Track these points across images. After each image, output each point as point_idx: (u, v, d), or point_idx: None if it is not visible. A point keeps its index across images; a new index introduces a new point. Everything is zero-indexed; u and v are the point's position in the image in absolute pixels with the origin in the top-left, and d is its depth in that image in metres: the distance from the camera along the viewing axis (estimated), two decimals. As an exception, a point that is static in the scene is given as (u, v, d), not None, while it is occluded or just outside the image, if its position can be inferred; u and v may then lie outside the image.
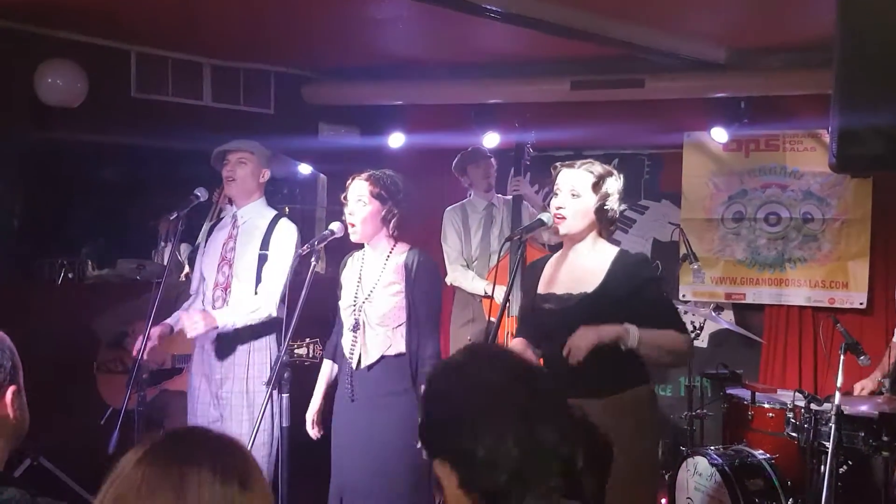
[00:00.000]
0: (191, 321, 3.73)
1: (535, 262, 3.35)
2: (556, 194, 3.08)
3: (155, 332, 3.97)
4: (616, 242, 3.23)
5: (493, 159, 5.55)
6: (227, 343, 3.96)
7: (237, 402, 3.92)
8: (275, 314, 3.94)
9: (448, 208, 5.50)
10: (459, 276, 5.25)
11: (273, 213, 4.17)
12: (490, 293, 5.04)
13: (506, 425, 1.29)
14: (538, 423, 1.30)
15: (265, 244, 4.00)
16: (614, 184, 3.07)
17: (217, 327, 3.80)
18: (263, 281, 3.95)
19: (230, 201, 4.37)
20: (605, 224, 3.09)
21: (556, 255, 3.22)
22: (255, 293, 3.93)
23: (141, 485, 1.26)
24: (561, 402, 1.38)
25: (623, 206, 3.14)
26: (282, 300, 3.94)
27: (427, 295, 3.63)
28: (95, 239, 7.15)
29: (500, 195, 5.56)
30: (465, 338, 5.00)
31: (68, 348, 4.90)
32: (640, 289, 2.96)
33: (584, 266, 3.06)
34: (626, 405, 2.91)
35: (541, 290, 3.17)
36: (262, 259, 3.97)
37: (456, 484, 1.32)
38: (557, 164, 3.16)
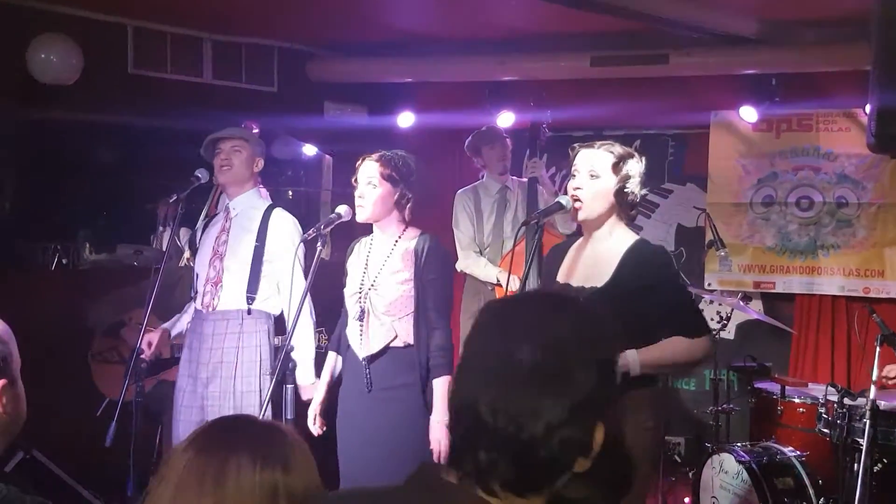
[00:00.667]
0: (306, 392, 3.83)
1: (556, 247, 3.32)
2: (574, 175, 3.05)
3: (154, 337, 4.02)
4: (638, 228, 3.20)
5: (508, 139, 5.52)
6: (215, 341, 3.96)
7: (224, 402, 3.90)
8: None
9: (459, 191, 5.48)
10: (471, 263, 5.23)
11: (267, 203, 4.17)
12: (503, 281, 5.02)
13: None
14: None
15: (260, 236, 4.00)
16: (636, 166, 3.04)
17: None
18: (280, 291, 3.99)
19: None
20: (625, 208, 3.05)
21: (577, 243, 3.20)
22: (248, 288, 3.93)
23: (184, 471, 1.34)
24: None
25: (645, 190, 3.10)
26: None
27: (436, 282, 3.61)
28: (94, 222, 7.17)
29: (514, 177, 5.53)
30: None
31: (62, 337, 4.93)
32: (654, 286, 2.91)
33: (600, 257, 3.03)
34: (639, 400, 2.85)
35: (560, 279, 3.14)
36: (258, 251, 3.97)
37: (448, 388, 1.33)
38: (575, 144, 3.13)
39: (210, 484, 1.33)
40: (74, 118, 6.12)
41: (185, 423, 3.98)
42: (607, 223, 3.05)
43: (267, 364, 3.94)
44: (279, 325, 4.08)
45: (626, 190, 3.01)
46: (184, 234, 5.79)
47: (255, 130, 5.11)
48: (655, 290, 2.90)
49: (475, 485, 1.20)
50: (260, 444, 1.39)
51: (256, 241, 3.98)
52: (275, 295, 4.02)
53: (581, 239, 3.19)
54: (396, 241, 3.63)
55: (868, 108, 2.51)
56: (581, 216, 3.04)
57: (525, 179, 5.43)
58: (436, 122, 6.28)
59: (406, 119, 6.64)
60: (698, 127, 6.32)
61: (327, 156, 7.31)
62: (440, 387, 3.49)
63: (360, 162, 3.64)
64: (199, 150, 4.16)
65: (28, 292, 5.41)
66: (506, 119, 6.19)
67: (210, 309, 4.00)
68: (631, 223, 3.14)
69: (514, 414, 1.17)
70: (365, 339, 3.57)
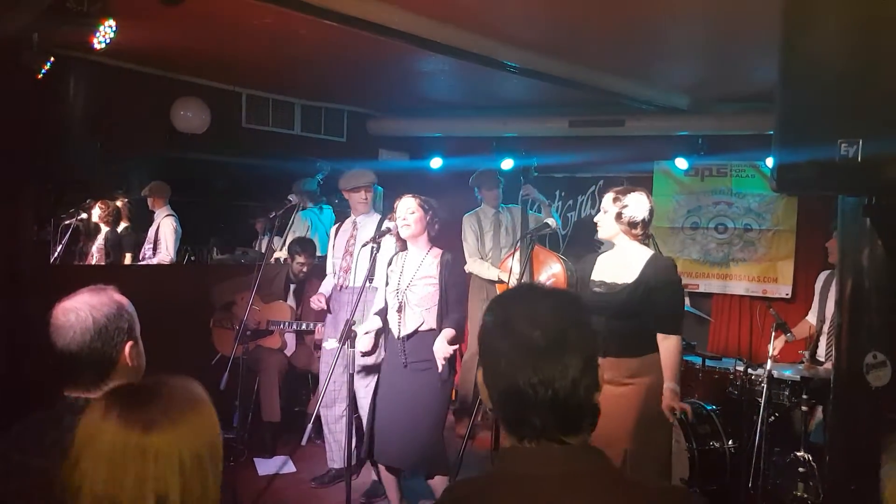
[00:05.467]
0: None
1: (585, 258, 3.37)
2: (599, 212, 3.21)
3: (319, 298, 4.33)
4: (646, 242, 3.20)
5: (501, 180, 5.46)
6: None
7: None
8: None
9: (466, 215, 5.39)
10: (477, 266, 5.20)
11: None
12: (502, 279, 5.01)
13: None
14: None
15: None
16: (632, 198, 3.08)
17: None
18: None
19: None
20: (631, 227, 3.07)
21: (603, 253, 3.25)
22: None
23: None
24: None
25: (645, 215, 3.08)
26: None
27: (457, 285, 3.65)
28: (218, 232, 7.24)
29: (503, 205, 5.43)
30: (480, 312, 4.94)
31: (192, 310, 4.98)
32: (663, 287, 2.99)
33: (625, 262, 3.09)
34: (653, 363, 2.97)
35: (594, 278, 3.19)
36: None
37: (482, 379, 1.21)
38: (610, 190, 3.19)
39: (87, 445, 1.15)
40: (203, 158, 6.18)
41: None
42: (620, 238, 3.11)
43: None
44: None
45: (623, 215, 3.06)
46: (276, 241, 5.84)
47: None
48: (665, 291, 3.00)
49: (539, 441, 1.14)
50: (131, 405, 1.16)
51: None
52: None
53: (605, 252, 3.25)
54: (425, 255, 3.63)
55: (770, 160, 2.49)
56: (599, 235, 3.18)
57: (512, 206, 5.39)
58: (457, 164, 6.29)
59: (436, 162, 6.65)
60: (645, 172, 6.28)
61: (380, 188, 7.34)
62: (446, 332, 3.48)
63: (398, 200, 3.65)
64: (293, 179, 4.21)
65: (166, 281, 5.49)
66: (507, 163, 6.19)
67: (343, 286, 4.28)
68: (643, 241, 3.14)
69: (546, 381, 1.12)
70: (402, 324, 3.57)
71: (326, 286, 4.46)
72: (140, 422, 1.14)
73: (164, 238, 5.78)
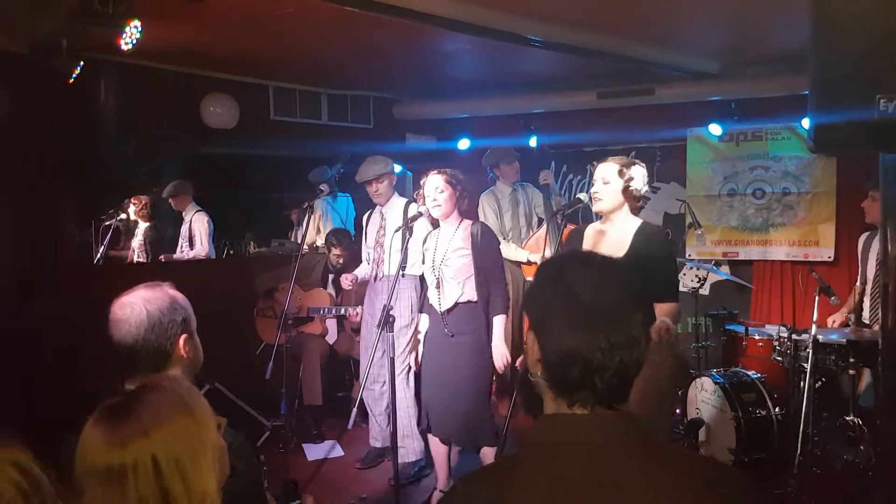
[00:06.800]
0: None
1: (574, 231, 3.30)
2: (594, 184, 3.06)
3: (350, 278, 4.37)
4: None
5: (517, 155, 5.41)
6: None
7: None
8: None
9: (483, 193, 5.31)
10: (503, 248, 5.17)
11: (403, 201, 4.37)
12: (532, 260, 4.98)
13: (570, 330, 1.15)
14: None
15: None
16: (638, 170, 3.01)
17: None
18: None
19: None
20: (631, 201, 3.02)
21: (593, 227, 3.16)
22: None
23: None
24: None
25: (647, 187, 3.04)
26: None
27: (491, 253, 3.66)
28: (255, 225, 7.35)
29: (518, 184, 5.38)
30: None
31: (235, 301, 5.08)
32: (655, 254, 2.89)
33: (617, 234, 3.00)
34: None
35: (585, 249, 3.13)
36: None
37: (534, 344, 1.18)
38: (594, 161, 3.11)
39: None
40: (234, 152, 6.27)
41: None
42: (620, 212, 3.02)
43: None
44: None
45: (630, 188, 2.99)
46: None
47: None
48: (657, 261, 2.88)
49: (596, 404, 1.14)
50: (110, 425, 1.19)
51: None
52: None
53: (597, 225, 3.14)
54: (456, 228, 3.66)
55: (807, 121, 2.44)
56: (600, 208, 3.03)
57: (528, 184, 5.36)
58: (485, 145, 6.26)
59: (464, 143, 6.64)
60: (678, 140, 6.18)
61: (409, 172, 7.37)
62: (499, 323, 3.53)
63: (424, 177, 3.65)
64: (322, 167, 4.24)
65: (207, 275, 5.60)
66: (533, 141, 6.15)
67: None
68: (637, 212, 3.08)
69: (615, 346, 1.11)
70: (443, 298, 3.62)
71: (362, 270, 4.53)
72: (118, 440, 1.17)
73: (198, 233, 5.90)
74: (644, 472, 1.09)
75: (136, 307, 1.71)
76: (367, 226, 4.55)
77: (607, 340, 1.12)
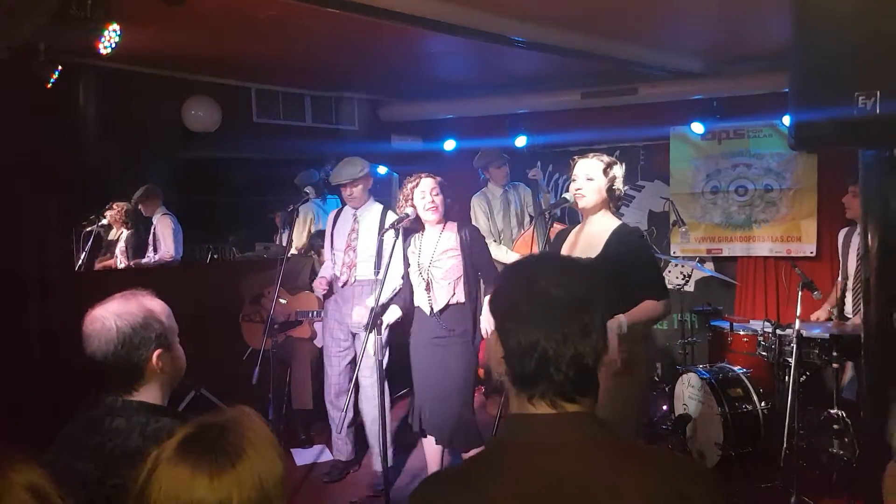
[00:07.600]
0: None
1: (561, 232, 3.30)
2: (575, 180, 3.01)
3: (323, 283, 4.24)
4: (619, 215, 3.12)
5: (507, 157, 5.43)
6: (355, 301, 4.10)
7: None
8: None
9: (474, 196, 5.35)
10: (493, 250, 5.15)
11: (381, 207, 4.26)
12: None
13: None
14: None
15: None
16: (619, 170, 3.01)
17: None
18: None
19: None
20: (613, 201, 3.01)
21: (576, 228, 3.15)
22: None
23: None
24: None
25: (625, 187, 3.05)
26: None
27: (482, 253, 3.70)
28: (238, 229, 7.30)
29: (509, 184, 5.40)
30: None
31: (221, 307, 5.05)
32: (631, 256, 2.84)
33: (592, 237, 2.97)
34: (627, 337, 2.79)
35: (564, 252, 3.12)
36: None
37: (497, 339, 1.19)
38: (575, 157, 3.08)
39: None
40: (216, 156, 6.23)
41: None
42: (600, 211, 3.00)
43: None
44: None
45: (613, 187, 2.99)
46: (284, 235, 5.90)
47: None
48: (633, 259, 2.83)
49: (555, 397, 1.14)
50: (197, 458, 1.16)
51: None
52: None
53: (579, 225, 3.13)
54: (442, 230, 3.67)
55: (787, 118, 2.48)
56: (584, 205, 2.99)
57: (518, 184, 5.38)
58: (471, 145, 6.28)
59: (450, 144, 6.64)
60: (661, 139, 6.23)
61: (395, 174, 7.37)
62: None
63: (415, 180, 3.63)
64: (306, 171, 4.17)
65: (191, 278, 5.57)
66: (520, 141, 6.16)
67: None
68: (616, 212, 3.09)
69: (569, 337, 1.12)
70: (433, 300, 3.63)
71: (326, 271, 4.37)
72: (206, 473, 1.14)
73: (161, 235, 5.83)
74: (609, 471, 1.08)
75: (106, 321, 1.65)
76: (333, 226, 4.34)
77: (561, 331, 1.12)
